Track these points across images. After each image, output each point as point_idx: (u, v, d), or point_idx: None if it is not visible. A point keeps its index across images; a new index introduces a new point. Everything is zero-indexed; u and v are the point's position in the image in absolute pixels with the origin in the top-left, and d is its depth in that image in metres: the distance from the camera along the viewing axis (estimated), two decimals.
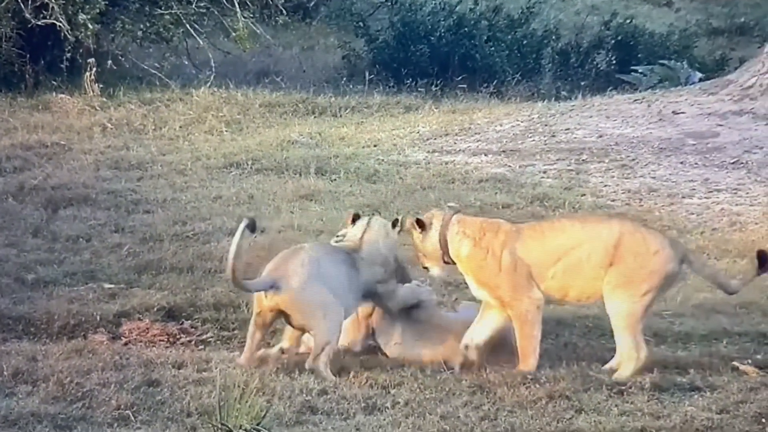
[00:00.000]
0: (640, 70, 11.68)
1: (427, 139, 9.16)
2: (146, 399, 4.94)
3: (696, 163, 8.54)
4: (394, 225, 5.48)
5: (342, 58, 11.96)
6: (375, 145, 9.01)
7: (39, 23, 9.92)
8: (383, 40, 11.84)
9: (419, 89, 11.07)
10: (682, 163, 8.58)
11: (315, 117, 9.86)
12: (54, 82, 10.11)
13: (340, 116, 9.90)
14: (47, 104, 9.69)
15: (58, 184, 7.86)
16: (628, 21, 12.55)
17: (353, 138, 9.19)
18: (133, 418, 4.80)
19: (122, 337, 5.77)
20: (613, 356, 5.37)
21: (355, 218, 5.49)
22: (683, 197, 7.96)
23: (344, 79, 11.47)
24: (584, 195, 7.99)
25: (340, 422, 4.83)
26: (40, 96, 9.89)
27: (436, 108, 10.03)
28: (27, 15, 9.86)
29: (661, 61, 11.72)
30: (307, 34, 13.12)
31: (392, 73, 11.53)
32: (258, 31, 10.91)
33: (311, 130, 9.30)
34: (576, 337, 5.90)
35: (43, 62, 10.32)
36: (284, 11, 11.34)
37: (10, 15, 9.87)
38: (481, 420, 4.86)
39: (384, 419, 4.86)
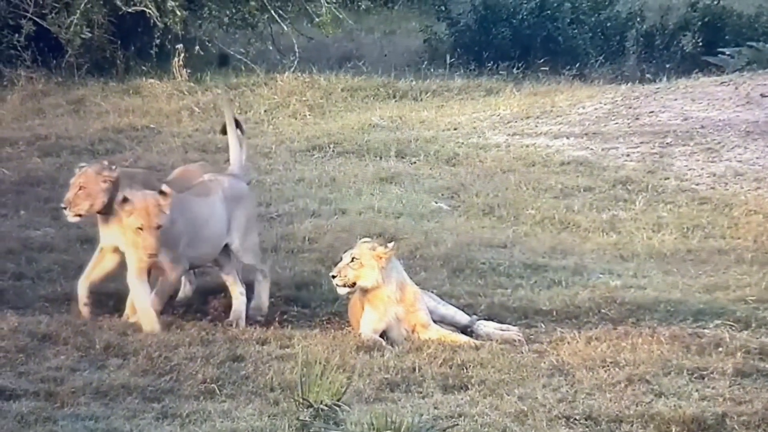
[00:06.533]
0: (727, 52, 11.39)
1: (508, 122, 9.12)
2: (231, 374, 5.08)
3: None
4: None
5: (423, 42, 11.96)
6: (455, 129, 9.02)
7: (129, 10, 10.21)
8: (464, 23, 11.80)
9: (500, 72, 11.01)
10: None
11: (396, 101, 9.91)
12: (144, 68, 10.40)
13: (421, 100, 9.92)
14: (137, 89, 9.96)
15: (148, 166, 8.07)
16: (715, 2, 12.24)
17: (433, 121, 9.21)
18: (218, 392, 4.94)
19: (209, 314, 5.94)
20: (700, 340, 5.32)
21: None
22: None
23: (425, 62, 11.48)
24: (668, 179, 7.87)
25: (419, 400, 4.89)
26: (131, 81, 10.17)
27: (518, 91, 9.96)
28: (118, 2, 10.15)
29: (749, 43, 11.41)
30: (388, 18, 13.16)
31: (473, 56, 11.49)
32: (341, 17, 10.99)
33: (392, 114, 9.36)
34: (656, 321, 5.84)
35: (133, 48, 10.62)
36: None
37: (101, 3, 10.17)
38: (558, 402, 4.85)
39: (461, 398, 4.90)
